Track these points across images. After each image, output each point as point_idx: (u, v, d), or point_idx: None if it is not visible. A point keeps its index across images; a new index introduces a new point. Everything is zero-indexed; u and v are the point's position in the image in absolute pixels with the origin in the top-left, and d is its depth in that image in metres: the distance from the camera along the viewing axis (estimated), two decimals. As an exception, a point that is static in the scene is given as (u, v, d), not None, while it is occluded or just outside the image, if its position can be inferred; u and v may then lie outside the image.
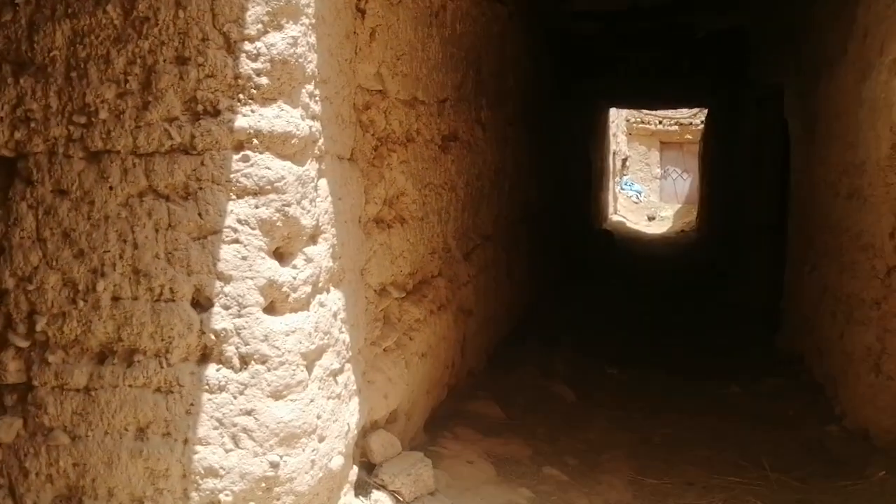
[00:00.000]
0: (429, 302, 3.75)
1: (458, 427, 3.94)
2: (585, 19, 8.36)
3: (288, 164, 2.40)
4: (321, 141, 2.57)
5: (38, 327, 2.43)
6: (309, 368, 2.50)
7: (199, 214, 2.35)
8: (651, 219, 22.43)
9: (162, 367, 2.37)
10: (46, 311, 2.43)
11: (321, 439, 2.55)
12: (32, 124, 2.42)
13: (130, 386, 2.39)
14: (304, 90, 2.45)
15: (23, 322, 2.45)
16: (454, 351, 4.34)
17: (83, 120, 2.39)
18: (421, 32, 3.67)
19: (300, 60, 2.41)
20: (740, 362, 5.94)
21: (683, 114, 23.74)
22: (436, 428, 3.89)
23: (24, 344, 2.45)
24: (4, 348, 2.47)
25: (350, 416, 2.81)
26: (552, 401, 4.82)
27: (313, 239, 2.53)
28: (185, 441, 2.35)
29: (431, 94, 3.92)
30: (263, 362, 2.38)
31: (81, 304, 2.41)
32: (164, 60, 2.35)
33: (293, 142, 2.41)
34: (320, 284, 2.57)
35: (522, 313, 6.74)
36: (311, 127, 2.49)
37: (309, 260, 2.49)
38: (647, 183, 26.32)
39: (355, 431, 2.87)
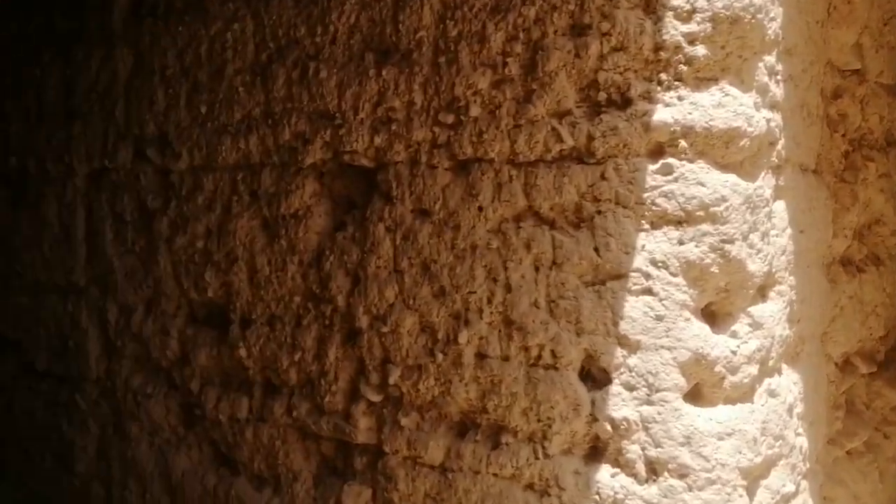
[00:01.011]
0: (907, 377, 2.59)
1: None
2: None
3: (731, 177, 1.58)
4: (780, 143, 1.69)
5: (392, 380, 2.08)
6: (750, 491, 1.65)
7: (596, 250, 1.69)
8: None
9: (537, 458, 1.84)
10: (401, 361, 2.05)
11: None
12: (394, 126, 1.98)
13: (495, 475, 1.90)
14: (760, 64, 1.60)
15: (375, 371, 2.11)
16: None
17: (450, 119, 1.87)
18: (915, -14, 2.53)
19: (758, 17, 1.56)
20: None
21: None
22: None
23: (376, 398, 2.14)
24: (356, 400, 2.14)
25: (801, 558, 1.87)
26: None
27: (762, 293, 1.66)
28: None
29: (919, 78, 2.74)
30: (682, 476, 1.61)
31: (440, 357, 1.98)
32: (555, 32, 1.71)
33: (742, 143, 1.57)
34: (771, 363, 1.68)
35: None
36: (768, 121, 1.63)
37: (756, 325, 1.63)
38: None
39: (806, 579, 1.92)
